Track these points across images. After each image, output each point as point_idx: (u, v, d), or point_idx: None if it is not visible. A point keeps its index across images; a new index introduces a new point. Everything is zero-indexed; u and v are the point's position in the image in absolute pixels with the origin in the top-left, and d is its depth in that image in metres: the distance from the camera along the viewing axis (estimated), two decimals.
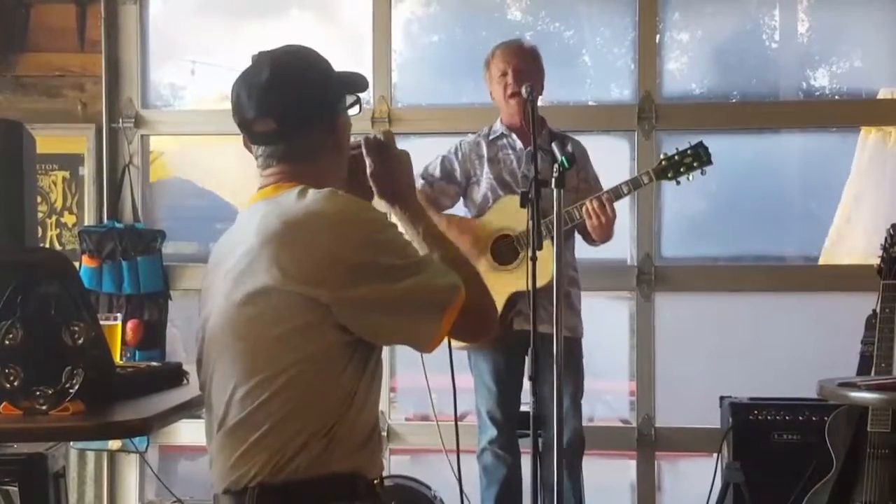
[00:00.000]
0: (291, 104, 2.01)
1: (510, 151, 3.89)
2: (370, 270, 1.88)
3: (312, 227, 1.89)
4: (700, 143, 3.73)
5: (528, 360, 3.06)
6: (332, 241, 1.88)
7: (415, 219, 2.13)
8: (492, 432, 3.83)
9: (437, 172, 3.98)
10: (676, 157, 3.72)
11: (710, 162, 3.72)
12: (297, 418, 1.88)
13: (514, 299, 3.71)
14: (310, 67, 2.06)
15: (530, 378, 3.14)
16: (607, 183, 3.85)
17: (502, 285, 3.68)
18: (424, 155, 3.97)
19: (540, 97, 3.94)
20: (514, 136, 3.89)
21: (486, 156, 3.92)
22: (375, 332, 1.94)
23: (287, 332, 1.87)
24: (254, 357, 1.90)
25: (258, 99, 2.00)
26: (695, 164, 3.71)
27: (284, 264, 1.87)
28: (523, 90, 3.71)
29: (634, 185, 3.74)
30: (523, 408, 3.74)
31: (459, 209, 4.06)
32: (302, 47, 2.10)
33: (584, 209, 3.69)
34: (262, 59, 2.04)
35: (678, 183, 3.75)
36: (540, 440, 3.19)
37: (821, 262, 4.71)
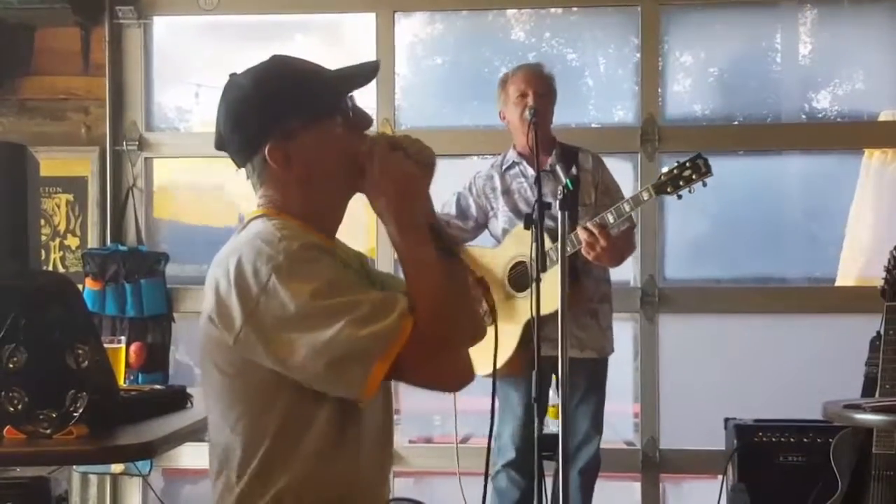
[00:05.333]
0: (225, 128, 1.88)
1: (523, 179, 3.86)
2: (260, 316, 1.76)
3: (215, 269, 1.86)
4: (698, 155, 3.61)
5: (549, 384, 3.02)
6: (219, 281, 1.84)
7: (399, 235, 1.85)
8: (510, 455, 3.80)
9: (453, 210, 3.99)
10: (675, 171, 3.61)
11: (709, 172, 3.58)
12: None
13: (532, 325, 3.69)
14: (257, 88, 1.84)
15: (534, 400, 3.14)
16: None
17: (519, 312, 3.67)
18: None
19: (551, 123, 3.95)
20: (524, 163, 3.86)
21: (499, 188, 3.91)
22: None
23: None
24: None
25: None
26: (694, 177, 3.58)
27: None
28: (526, 113, 3.74)
29: (635, 202, 3.66)
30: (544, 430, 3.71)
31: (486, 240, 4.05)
32: (270, 60, 1.89)
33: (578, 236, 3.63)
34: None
35: (679, 197, 3.63)
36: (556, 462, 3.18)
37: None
